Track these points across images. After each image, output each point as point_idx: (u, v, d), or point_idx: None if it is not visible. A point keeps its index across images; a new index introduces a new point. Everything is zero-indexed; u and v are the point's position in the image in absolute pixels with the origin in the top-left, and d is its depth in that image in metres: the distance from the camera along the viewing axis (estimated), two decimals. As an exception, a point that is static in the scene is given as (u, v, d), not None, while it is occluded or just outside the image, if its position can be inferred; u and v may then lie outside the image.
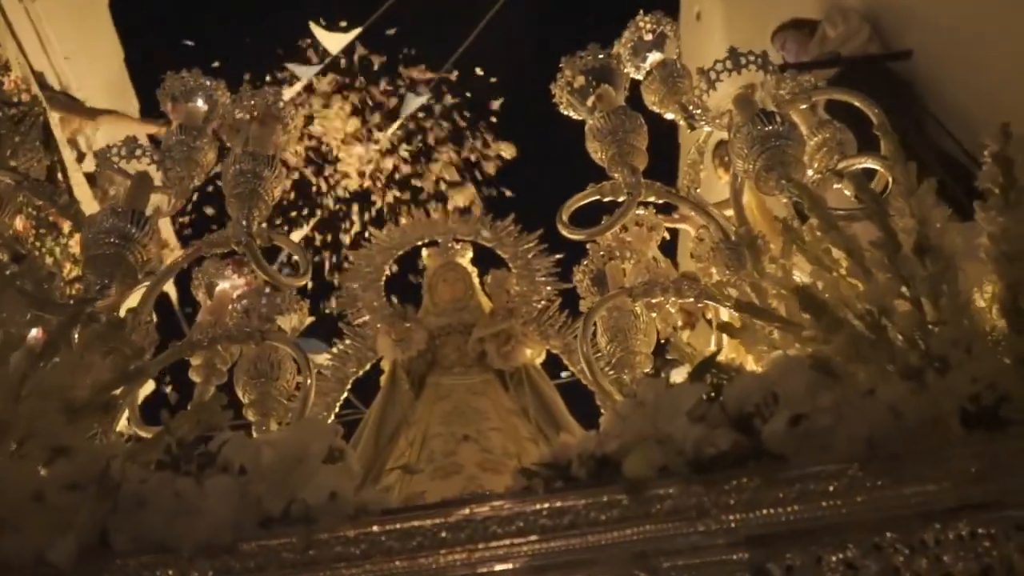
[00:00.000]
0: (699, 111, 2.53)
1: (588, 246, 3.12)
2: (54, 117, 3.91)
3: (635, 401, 1.48)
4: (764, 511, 1.32)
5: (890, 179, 2.00)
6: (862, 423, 1.33)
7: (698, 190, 2.98)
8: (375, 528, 1.31)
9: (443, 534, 1.31)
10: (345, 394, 3.69)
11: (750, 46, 2.62)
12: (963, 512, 1.32)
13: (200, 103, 2.91)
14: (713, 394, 1.45)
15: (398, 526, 1.31)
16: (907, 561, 1.28)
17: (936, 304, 1.46)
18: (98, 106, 5.32)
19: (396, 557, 1.29)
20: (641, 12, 3.10)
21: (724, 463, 1.35)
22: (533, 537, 1.31)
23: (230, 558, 1.28)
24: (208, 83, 2.94)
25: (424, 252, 4.10)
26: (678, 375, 1.82)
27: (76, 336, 1.86)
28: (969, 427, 1.38)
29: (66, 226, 3.03)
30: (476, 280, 3.94)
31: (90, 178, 4.18)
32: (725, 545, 1.30)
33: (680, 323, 2.79)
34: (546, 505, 1.33)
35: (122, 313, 2.27)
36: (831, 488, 1.34)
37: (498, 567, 1.28)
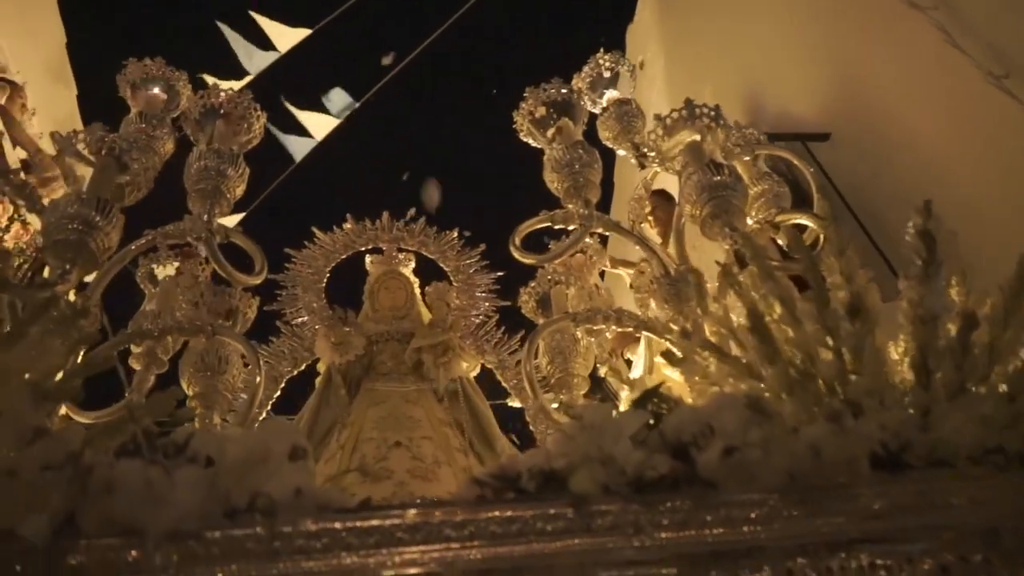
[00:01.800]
0: (652, 153, 2.69)
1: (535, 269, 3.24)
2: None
3: (582, 423, 1.59)
4: (692, 532, 1.46)
5: (822, 237, 2.19)
6: (785, 458, 1.48)
7: (643, 224, 3.15)
8: (336, 525, 1.39)
9: (399, 534, 1.39)
10: (279, 392, 3.72)
11: (687, 94, 2.81)
12: (865, 544, 1.48)
13: (160, 92, 2.92)
14: (654, 422, 1.58)
15: (358, 524, 1.39)
16: (814, 585, 1.43)
17: (858, 357, 1.63)
18: (36, 88, 5.18)
19: (354, 553, 1.37)
20: (601, 51, 3.26)
21: (660, 486, 1.48)
22: (483, 542, 1.41)
23: (195, 545, 1.34)
24: (170, 72, 2.95)
25: (367, 259, 4.15)
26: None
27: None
28: (876, 468, 1.55)
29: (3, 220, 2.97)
30: (417, 290, 4.01)
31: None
32: (656, 560, 1.43)
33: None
34: (496, 513, 1.43)
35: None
36: (753, 515, 1.48)
37: (449, 565, 1.38)
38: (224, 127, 2.67)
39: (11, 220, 3.88)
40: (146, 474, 1.35)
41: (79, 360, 1.82)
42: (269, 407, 3.71)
